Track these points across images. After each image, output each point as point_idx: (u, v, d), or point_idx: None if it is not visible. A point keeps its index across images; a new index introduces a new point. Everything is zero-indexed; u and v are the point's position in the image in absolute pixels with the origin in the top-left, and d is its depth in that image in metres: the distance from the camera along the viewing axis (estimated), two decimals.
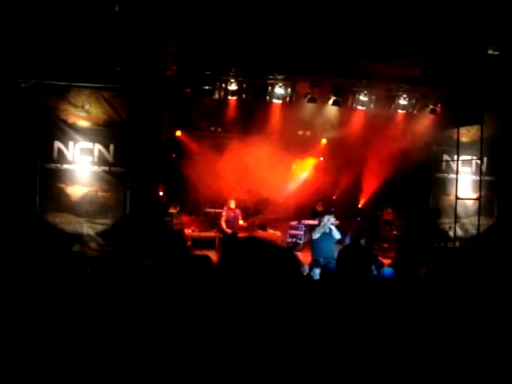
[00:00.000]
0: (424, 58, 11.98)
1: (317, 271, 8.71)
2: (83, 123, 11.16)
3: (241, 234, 14.20)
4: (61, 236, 10.78)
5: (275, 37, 11.31)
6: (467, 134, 13.91)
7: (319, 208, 16.61)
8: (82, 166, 11.15)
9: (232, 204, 13.33)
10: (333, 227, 10.79)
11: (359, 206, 17.69)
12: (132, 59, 10.85)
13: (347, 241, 16.34)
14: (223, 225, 13.13)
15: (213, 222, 15.59)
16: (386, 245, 15.23)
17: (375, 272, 7.76)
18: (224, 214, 13.41)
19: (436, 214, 12.62)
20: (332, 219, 10.86)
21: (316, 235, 10.82)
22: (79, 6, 9.95)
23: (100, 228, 11.16)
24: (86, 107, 11.12)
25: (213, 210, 16.01)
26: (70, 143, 11.07)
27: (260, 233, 16.11)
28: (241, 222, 13.50)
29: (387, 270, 7.58)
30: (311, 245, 11.57)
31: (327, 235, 10.75)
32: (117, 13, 10.38)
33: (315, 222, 16.32)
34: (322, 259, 10.22)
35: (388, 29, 11.11)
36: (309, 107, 13.92)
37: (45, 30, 10.09)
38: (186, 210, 16.27)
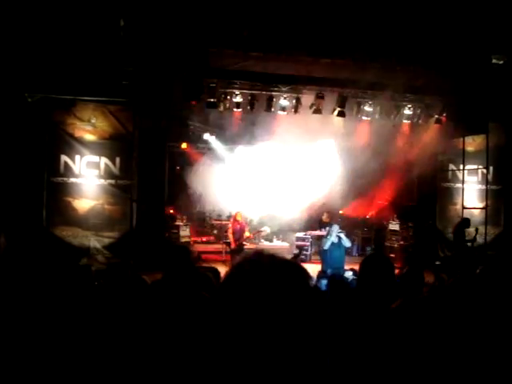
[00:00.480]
0: (429, 68, 11.99)
1: (323, 282, 8.68)
2: (89, 137, 11.23)
3: (247, 246, 14.17)
4: (68, 249, 10.81)
5: (279, 49, 11.37)
6: (472, 143, 13.90)
7: (326, 219, 16.54)
8: (89, 179, 11.20)
9: (238, 216, 13.31)
10: (342, 235, 10.74)
11: (366, 216, 17.63)
12: (137, 73, 10.92)
13: (354, 251, 16.31)
14: (230, 237, 13.11)
15: (219, 233, 15.60)
16: (392, 255, 15.17)
17: None
18: (230, 226, 13.40)
19: (466, 224, 12.55)
20: (337, 228, 10.84)
21: (326, 246, 10.80)
22: (85, 21, 10.03)
23: (107, 241, 11.19)
24: (92, 121, 11.19)
25: (219, 222, 16.03)
26: (77, 157, 11.13)
27: (266, 244, 16.09)
28: (247, 234, 13.49)
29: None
30: (321, 255, 11.52)
31: (336, 245, 10.72)
32: (122, 27, 10.46)
33: (322, 233, 16.30)
34: (330, 270, 10.16)
35: (393, 39, 11.16)
36: (314, 118, 13.92)
37: (50, 44, 10.18)
38: (192, 222, 16.29)
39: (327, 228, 11.39)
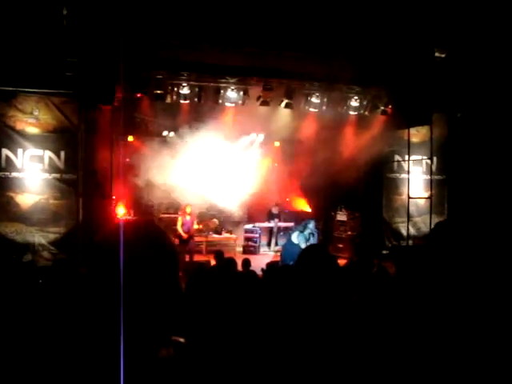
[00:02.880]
0: (373, 60, 12.17)
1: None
2: (32, 130, 10.89)
3: (196, 239, 14.16)
4: (11, 246, 10.49)
5: (227, 40, 11.32)
6: (417, 135, 14.21)
7: (275, 211, 16.68)
8: (32, 173, 10.88)
9: (188, 209, 13.26)
10: (315, 234, 10.66)
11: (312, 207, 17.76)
12: (82, 64, 10.65)
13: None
14: (179, 229, 13.04)
15: (167, 227, 15.44)
16: (340, 245, 15.38)
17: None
18: (180, 218, 13.33)
19: None
20: (313, 225, 10.76)
21: (298, 240, 10.55)
22: (26, 9, 9.72)
23: (52, 237, 10.92)
24: (35, 113, 10.86)
25: (167, 215, 15.87)
26: (19, 150, 10.79)
27: (215, 237, 16.07)
28: (196, 226, 13.47)
29: None
30: (283, 249, 11.31)
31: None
32: (65, 16, 10.18)
33: (270, 225, 16.42)
34: (292, 262, 10.01)
35: (338, 31, 11.25)
36: (262, 110, 13.94)
37: None
38: (140, 216, 16.08)
39: (304, 223, 11.15)
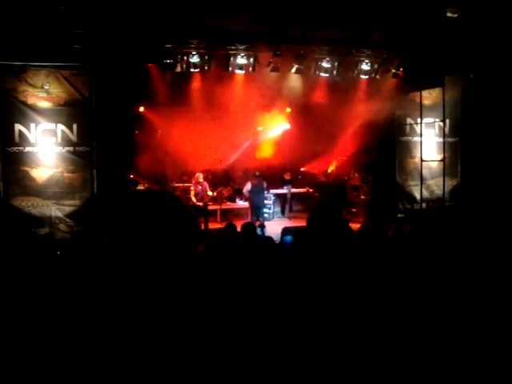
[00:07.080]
0: (384, 22, 12.00)
1: (288, 238, 8.86)
2: (44, 104, 10.95)
3: (211, 207, 14.25)
4: (28, 220, 10.65)
5: (235, 7, 11.19)
6: (429, 97, 14.08)
7: (287, 177, 16.70)
8: (46, 147, 10.97)
9: (200, 178, 13.33)
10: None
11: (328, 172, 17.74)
12: (91, 36, 10.63)
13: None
14: (193, 199, 13.14)
15: (182, 196, 15.56)
16: (354, 210, 15.42)
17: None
18: (192, 188, 13.42)
19: None
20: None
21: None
22: None
23: (68, 209, 11.07)
24: (46, 87, 10.89)
25: (181, 185, 15.95)
26: (32, 125, 10.86)
27: (229, 204, 16.15)
28: (209, 193, 13.55)
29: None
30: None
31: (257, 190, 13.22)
32: None
33: (284, 191, 16.51)
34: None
35: None
36: (272, 76, 13.86)
37: None
38: (153, 186, 16.18)
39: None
